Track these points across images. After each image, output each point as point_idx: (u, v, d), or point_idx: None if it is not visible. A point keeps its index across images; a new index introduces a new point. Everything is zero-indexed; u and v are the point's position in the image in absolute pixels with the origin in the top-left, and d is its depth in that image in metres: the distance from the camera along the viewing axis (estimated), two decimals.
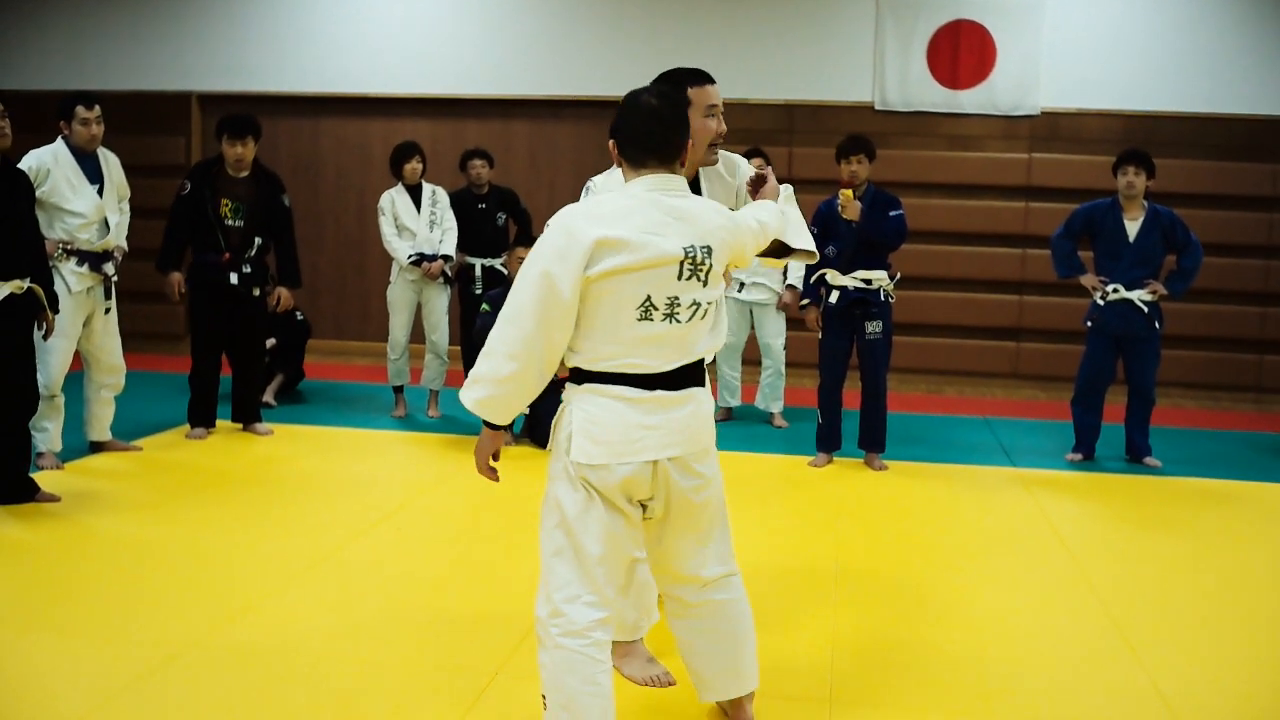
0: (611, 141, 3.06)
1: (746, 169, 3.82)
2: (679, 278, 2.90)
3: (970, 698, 3.66)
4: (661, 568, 3.19)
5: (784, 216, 3.42)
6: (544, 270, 2.84)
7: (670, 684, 3.55)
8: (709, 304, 2.99)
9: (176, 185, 7.04)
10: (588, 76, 10.38)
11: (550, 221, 2.94)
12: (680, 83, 3.53)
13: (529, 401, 2.97)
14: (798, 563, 4.73)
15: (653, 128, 2.98)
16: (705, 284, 2.95)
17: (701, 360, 3.05)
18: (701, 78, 3.59)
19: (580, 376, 2.97)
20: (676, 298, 2.91)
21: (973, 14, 9.91)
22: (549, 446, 3.03)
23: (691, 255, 2.90)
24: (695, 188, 3.64)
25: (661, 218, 2.90)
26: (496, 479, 3.07)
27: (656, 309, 2.90)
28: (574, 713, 2.89)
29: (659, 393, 2.95)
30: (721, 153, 3.73)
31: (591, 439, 2.91)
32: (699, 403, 3.04)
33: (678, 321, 2.93)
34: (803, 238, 3.49)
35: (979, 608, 4.56)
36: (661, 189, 2.96)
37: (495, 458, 3.05)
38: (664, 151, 2.99)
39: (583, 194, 6.81)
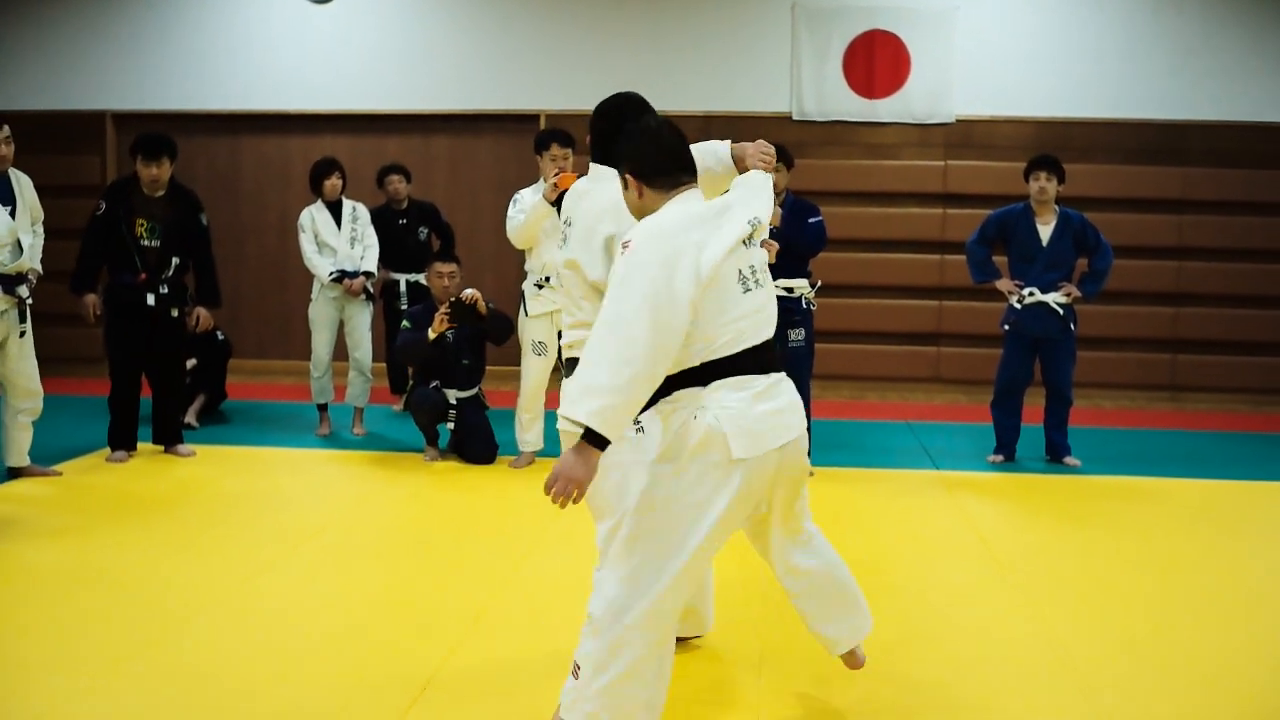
0: (630, 173, 3.14)
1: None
2: (746, 246, 3.11)
3: (892, 684, 3.73)
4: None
5: None
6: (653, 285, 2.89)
7: None
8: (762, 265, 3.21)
9: (92, 206, 6.95)
10: (507, 91, 10.38)
11: (632, 235, 2.99)
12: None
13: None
14: (727, 571, 4.76)
15: (677, 146, 3.15)
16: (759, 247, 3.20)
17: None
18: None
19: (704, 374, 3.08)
20: (753, 265, 3.12)
21: (887, 24, 10.05)
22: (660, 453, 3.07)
23: (753, 225, 3.09)
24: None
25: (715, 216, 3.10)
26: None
27: (748, 279, 3.09)
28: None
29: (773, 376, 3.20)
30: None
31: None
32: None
33: (761, 286, 3.15)
34: None
35: (903, 606, 4.62)
36: (698, 199, 3.14)
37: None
38: (691, 166, 3.18)
39: (510, 205, 6.80)
